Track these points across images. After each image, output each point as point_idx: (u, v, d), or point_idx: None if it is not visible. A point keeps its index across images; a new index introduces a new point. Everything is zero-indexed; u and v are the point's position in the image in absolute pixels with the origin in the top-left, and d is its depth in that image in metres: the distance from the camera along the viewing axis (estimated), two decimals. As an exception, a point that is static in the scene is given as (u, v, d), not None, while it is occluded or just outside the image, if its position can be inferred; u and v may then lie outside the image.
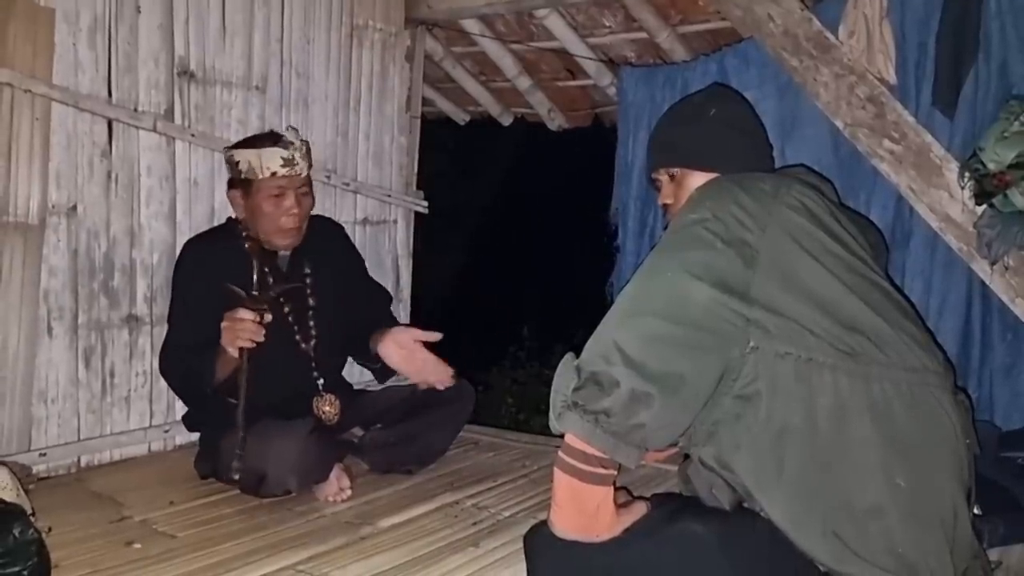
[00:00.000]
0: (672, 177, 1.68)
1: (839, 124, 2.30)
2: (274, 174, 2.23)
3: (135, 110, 2.46)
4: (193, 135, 2.59)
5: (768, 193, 1.36)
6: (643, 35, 3.13)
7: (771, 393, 1.30)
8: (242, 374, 2.09)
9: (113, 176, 2.44)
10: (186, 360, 2.21)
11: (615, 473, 1.34)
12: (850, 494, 1.28)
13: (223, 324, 2.08)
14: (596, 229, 3.23)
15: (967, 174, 2.08)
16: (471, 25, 3.36)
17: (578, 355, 1.32)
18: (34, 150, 2.25)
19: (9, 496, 1.66)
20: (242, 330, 2.06)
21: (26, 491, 1.83)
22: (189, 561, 1.78)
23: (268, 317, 2.11)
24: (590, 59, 3.32)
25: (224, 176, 2.64)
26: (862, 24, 2.21)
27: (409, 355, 2.37)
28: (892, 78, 2.22)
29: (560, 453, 1.32)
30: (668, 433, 1.31)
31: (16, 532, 1.55)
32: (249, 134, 2.67)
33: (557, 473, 1.33)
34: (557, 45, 3.33)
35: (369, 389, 2.71)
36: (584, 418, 1.25)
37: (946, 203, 2.14)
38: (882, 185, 2.33)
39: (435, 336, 2.37)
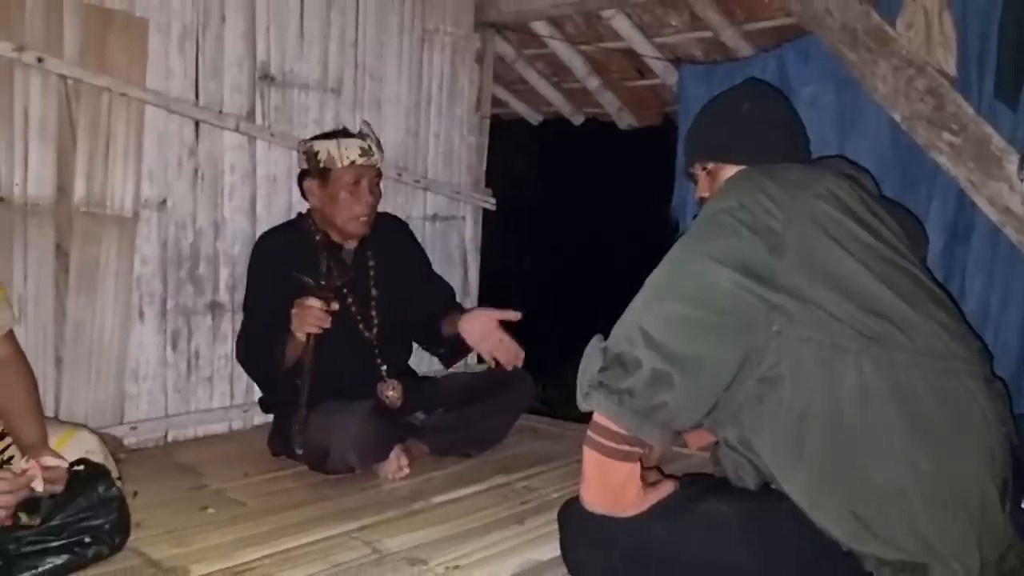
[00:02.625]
0: (707, 171, 1.72)
1: (897, 117, 2.28)
2: (352, 163, 2.38)
3: (220, 112, 2.65)
4: (272, 135, 2.77)
5: (797, 183, 1.39)
6: (708, 34, 3.15)
7: (794, 377, 1.32)
8: (307, 356, 2.23)
9: (199, 173, 2.63)
10: (259, 345, 2.36)
11: (640, 451, 1.40)
12: (872, 476, 1.29)
13: (293, 311, 2.22)
14: (662, 226, 3.27)
15: (1027, 166, 2.04)
16: (540, 27, 3.44)
17: (606, 338, 1.38)
18: (128, 149, 2.46)
19: (97, 459, 1.83)
20: (310, 316, 2.20)
21: (116, 460, 2.00)
22: (256, 525, 1.93)
23: (335, 305, 2.25)
24: (657, 59, 3.36)
25: (300, 173, 2.83)
26: (921, 16, 2.19)
27: (488, 333, 2.45)
28: (952, 70, 2.19)
29: (588, 431, 1.39)
30: (691, 413, 1.35)
31: (100, 490, 1.72)
32: (311, 137, 2.85)
33: (585, 450, 1.40)
34: (624, 45, 3.38)
35: (432, 376, 2.82)
36: (609, 397, 1.31)
37: (1006, 196, 2.10)
38: (943, 179, 2.30)
39: (515, 315, 2.45)
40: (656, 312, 1.33)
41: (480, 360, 3.00)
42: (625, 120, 3.84)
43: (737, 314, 1.31)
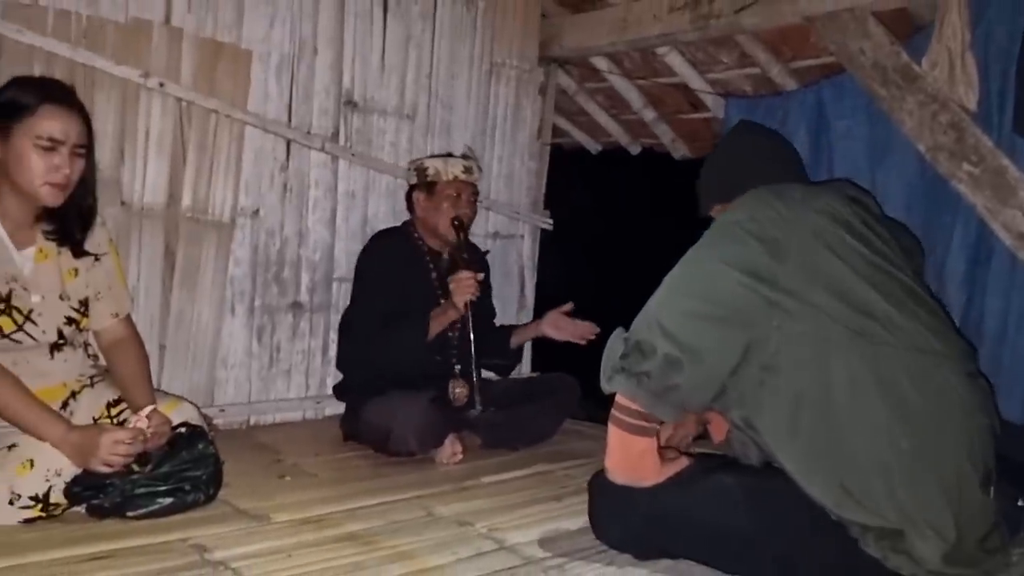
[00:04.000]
0: (719, 211, 1.93)
1: (921, 148, 2.47)
2: (456, 178, 2.74)
3: (308, 133, 2.98)
4: (353, 155, 3.09)
5: (800, 200, 1.61)
6: (757, 70, 3.37)
7: (790, 365, 1.54)
8: (468, 323, 2.58)
9: (288, 187, 2.96)
10: (391, 326, 2.62)
11: (657, 427, 1.63)
12: (856, 453, 1.49)
13: (451, 286, 2.58)
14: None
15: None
16: (600, 62, 3.71)
17: (627, 331, 1.62)
18: (229, 164, 2.81)
19: (196, 422, 2.13)
20: (468, 285, 2.56)
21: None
22: (326, 490, 2.22)
23: (480, 275, 2.61)
24: (708, 93, 3.59)
25: (377, 190, 3.15)
26: (945, 56, 2.37)
27: (564, 325, 2.82)
28: (973, 105, 2.36)
29: (612, 410, 1.62)
30: (700, 395, 1.57)
31: (200, 447, 2.02)
32: (400, 156, 3.19)
33: (610, 426, 1.64)
34: (678, 80, 3.61)
35: (489, 378, 3.08)
36: (629, 379, 1.55)
37: (1019, 221, 2.27)
38: (964, 206, 2.47)
39: (569, 306, 2.84)
40: (671, 306, 1.56)
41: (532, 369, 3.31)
42: (679, 151, 4.06)
43: (741, 309, 1.53)
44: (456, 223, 2.72)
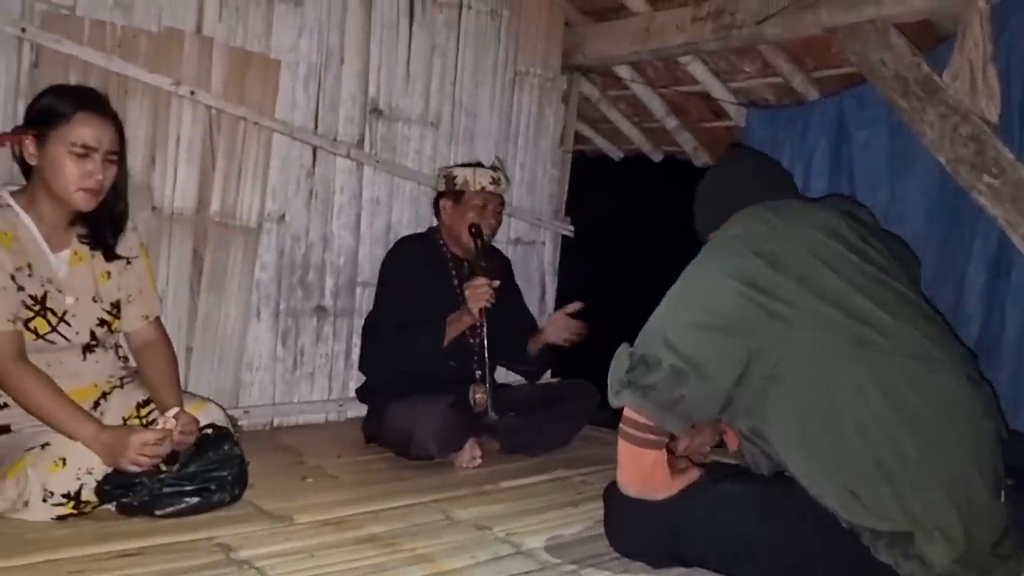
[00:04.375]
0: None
1: (942, 160, 2.47)
2: (483, 188, 2.79)
3: (334, 140, 3.04)
4: (378, 161, 3.14)
5: (794, 215, 1.66)
6: (779, 79, 3.38)
7: (793, 374, 1.56)
8: (482, 328, 2.64)
9: (314, 192, 3.02)
10: (415, 332, 2.67)
11: (665, 439, 1.65)
12: (863, 459, 1.51)
13: (467, 293, 2.62)
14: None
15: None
16: (623, 71, 3.74)
17: (631, 345, 1.64)
18: (257, 170, 2.87)
19: (222, 424, 2.18)
20: (483, 293, 2.60)
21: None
22: (348, 492, 2.26)
23: (496, 282, 2.65)
24: (731, 103, 3.60)
25: (401, 196, 3.20)
26: (967, 68, 2.37)
27: (562, 325, 2.87)
28: (994, 118, 2.36)
29: (621, 424, 1.65)
30: (707, 406, 1.59)
31: (226, 447, 2.08)
32: (423, 163, 3.23)
33: (619, 440, 1.67)
34: (701, 89, 3.63)
35: (510, 384, 3.11)
36: (635, 392, 1.58)
37: (1039, 235, 2.27)
38: (986, 219, 2.46)
39: (576, 305, 2.88)
40: (673, 319, 1.60)
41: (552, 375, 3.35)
42: (701, 158, 4.07)
43: (742, 319, 1.56)
44: (473, 230, 2.76)
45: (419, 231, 3.04)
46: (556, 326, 2.89)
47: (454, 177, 2.83)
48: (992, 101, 2.36)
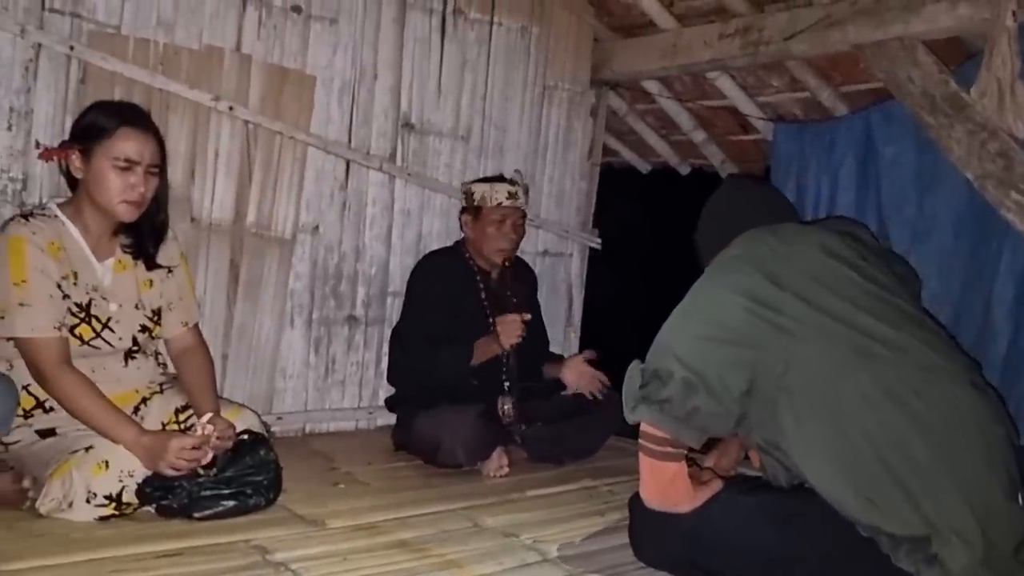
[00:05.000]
0: None
1: (970, 176, 2.48)
2: (500, 204, 2.82)
3: (367, 153, 3.10)
4: (409, 175, 3.20)
5: (793, 236, 1.71)
6: (807, 94, 3.39)
7: (801, 385, 1.60)
8: (510, 359, 2.73)
9: (347, 205, 3.09)
10: (441, 347, 2.72)
11: (684, 452, 1.69)
12: (875, 467, 1.54)
13: (498, 328, 2.69)
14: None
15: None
16: (651, 85, 3.78)
17: (643, 362, 1.68)
18: (292, 183, 2.94)
19: (258, 430, 2.24)
20: (515, 329, 2.67)
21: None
22: (378, 498, 2.31)
23: (527, 316, 2.72)
24: (759, 118, 3.63)
25: (432, 209, 3.26)
26: (994, 85, 2.38)
27: (580, 375, 2.91)
28: (1021, 134, 2.37)
29: (639, 439, 1.69)
30: (720, 418, 1.62)
31: (262, 452, 2.14)
32: (453, 176, 3.29)
33: (640, 455, 1.70)
34: (728, 103, 3.66)
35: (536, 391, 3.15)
36: (651, 407, 1.61)
37: (1067, 251, 2.27)
38: (1014, 235, 2.47)
39: (591, 354, 2.94)
40: (681, 332, 1.64)
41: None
42: (728, 171, 4.09)
43: (749, 333, 1.60)
44: (506, 264, 2.86)
45: (447, 245, 3.09)
46: (574, 373, 2.91)
47: (472, 193, 2.87)
48: (1020, 118, 2.37)
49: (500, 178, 2.97)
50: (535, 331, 3.01)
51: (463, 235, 2.98)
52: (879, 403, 1.54)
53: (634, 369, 1.66)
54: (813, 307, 1.59)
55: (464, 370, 2.72)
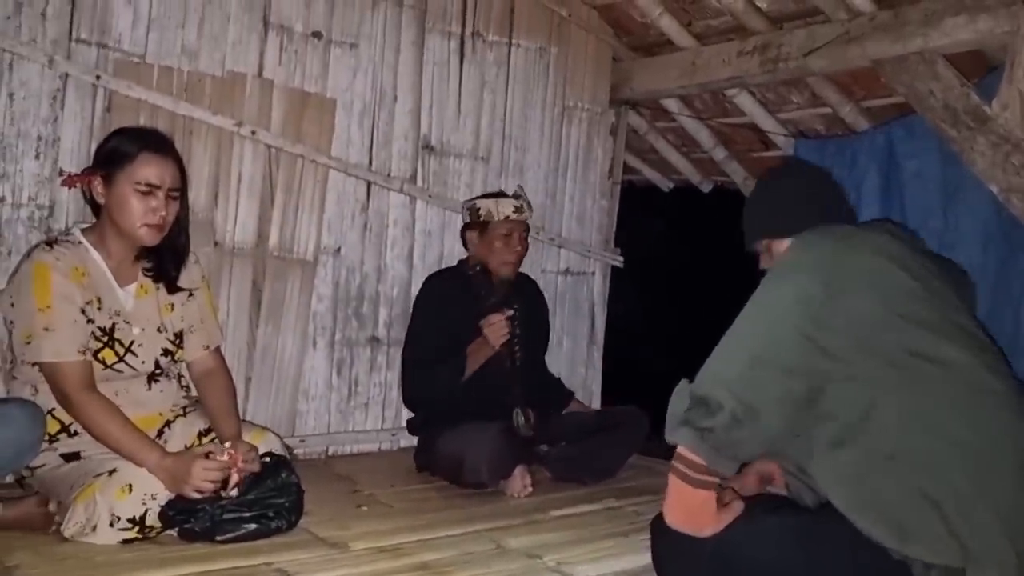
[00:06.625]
0: (765, 247, 1.96)
1: (994, 189, 2.45)
2: (507, 218, 2.83)
3: (388, 175, 3.12)
4: (430, 196, 3.22)
5: (852, 241, 1.64)
6: (828, 110, 3.38)
7: (840, 411, 1.55)
8: (507, 359, 2.77)
9: (368, 226, 3.11)
10: (436, 366, 2.74)
11: (716, 480, 1.66)
12: (910, 490, 1.49)
13: (484, 330, 2.70)
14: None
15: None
16: (670, 104, 3.77)
17: (691, 382, 1.66)
18: (314, 205, 2.97)
19: (280, 452, 2.25)
20: (498, 328, 2.70)
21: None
22: (401, 520, 2.30)
23: (509, 312, 2.73)
24: (780, 134, 3.61)
25: (452, 228, 3.27)
26: (1016, 98, 2.36)
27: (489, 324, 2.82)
28: (1047, 146, 2.35)
29: (673, 461, 1.66)
30: (760, 447, 1.59)
31: (283, 475, 2.14)
32: (474, 196, 3.29)
33: (670, 476, 1.67)
34: (749, 120, 3.65)
35: (557, 412, 3.13)
36: (693, 433, 1.58)
37: (1097, 264, 2.23)
38: (1043, 248, 2.44)
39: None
40: (732, 362, 1.60)
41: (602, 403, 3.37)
42: (751, 189, 4.06)
43: (802, 359, 1.55)
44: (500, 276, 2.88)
45: (451, 265, 3.09)
46: (486, 324, 2.82)
47: (478, 209, 2.87)
48: (1044, 130, 2.34)
49: (502, 193, 2.98)
50: (535, 339, 3.00)
51: (467, 254, 2.97)
52: (919, 426, 1.50)
53: (682, 389, 1.62)
54: (864, 323, 1.53)
55: (459, 381, 2.72)
